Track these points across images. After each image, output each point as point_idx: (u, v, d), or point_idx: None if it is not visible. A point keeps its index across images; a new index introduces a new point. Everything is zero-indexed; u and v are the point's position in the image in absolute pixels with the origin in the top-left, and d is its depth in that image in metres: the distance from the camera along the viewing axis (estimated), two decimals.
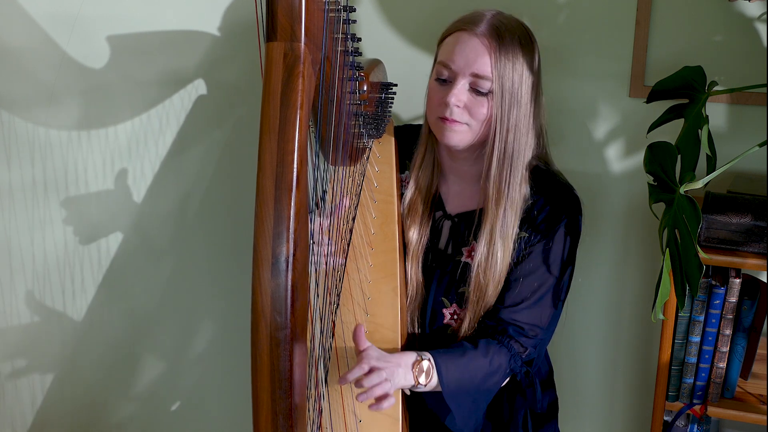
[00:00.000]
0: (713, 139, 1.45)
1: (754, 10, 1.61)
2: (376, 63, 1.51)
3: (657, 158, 1.37)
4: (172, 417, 2.23)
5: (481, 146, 1.43)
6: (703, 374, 1.63)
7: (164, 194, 2.03)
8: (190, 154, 2.01)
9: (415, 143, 1.56)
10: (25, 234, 2.01)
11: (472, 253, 1.46)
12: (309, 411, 1.13)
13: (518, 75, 1.37)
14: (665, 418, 1.68)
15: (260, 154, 0.84)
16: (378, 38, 1.84)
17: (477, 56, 1.36)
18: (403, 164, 1.59)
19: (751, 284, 1.61)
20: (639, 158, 1.73)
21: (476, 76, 1.37)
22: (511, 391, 1.51)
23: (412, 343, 1.52)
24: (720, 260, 1.53)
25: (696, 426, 1.71)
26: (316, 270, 1.27)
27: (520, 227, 1.44)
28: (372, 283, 1.44)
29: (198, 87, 1.95)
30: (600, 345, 1.93)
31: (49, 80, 1.91)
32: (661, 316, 1.41)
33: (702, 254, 1.29)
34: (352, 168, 1.48)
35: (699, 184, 1.31)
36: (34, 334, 2.09)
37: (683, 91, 1.47)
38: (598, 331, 1.92)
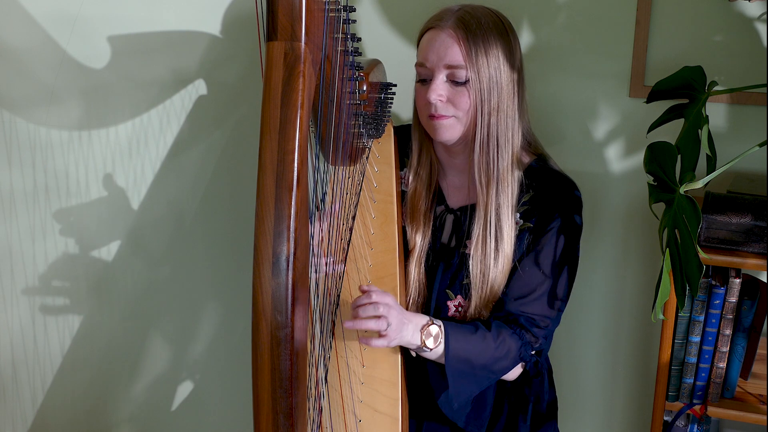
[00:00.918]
0: (713, 139, 1.45)
1: (754, 10, 1.62)
2: (375, 63, 1.52)
3: (657, 158, 1.37)
4: (172, 417, 2.23)
5: (474, 137, 1.44)
6: (703, 374, 1.63)
7: (165, 194, 2.04)
8: (190, 154, 2.01)
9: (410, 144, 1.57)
10: (25, 233, 2.01)
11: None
12: (309, 410, 1.13)
13: (494, 58, 1.39)
14: (665, 418, 1.68)
15: (261, 153, 0.84)
16: (378, 38, 1.84)
17: (447, 48, 1.39)
18: (403, 164, 1.60)
19: (751, 284, 1.61)
20: (639, 158, 1.73)
21: (450, 67, 1.40)
22: (519, 383, 1.51)
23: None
24: (720, 260, 1.53)
25: (696, 426, 1.71)
26: (316, 271, 1.27)
27: (523, 219, 1.45)
28: (372, 283, 1.44)
29: (198, 87, 1.95)
30: (600, 345, 1.93)
31: (49, 80, 1.91)
32: (661, 316, 1.41)
33: (702, 254, 1.29)
34: (351, 168, 1.48)
35: (699, 184, 1.31)
36: (34, 333, 2.09)
37: (683, 91, 1.47)
38: (598, 331, 1.92)
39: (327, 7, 0.95)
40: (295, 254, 0.83)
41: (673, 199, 1.33)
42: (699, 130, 1.40)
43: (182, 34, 1.91)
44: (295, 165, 0.84)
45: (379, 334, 1.31)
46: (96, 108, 1.95)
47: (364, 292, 1.33)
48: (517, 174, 1.46)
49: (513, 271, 1.46)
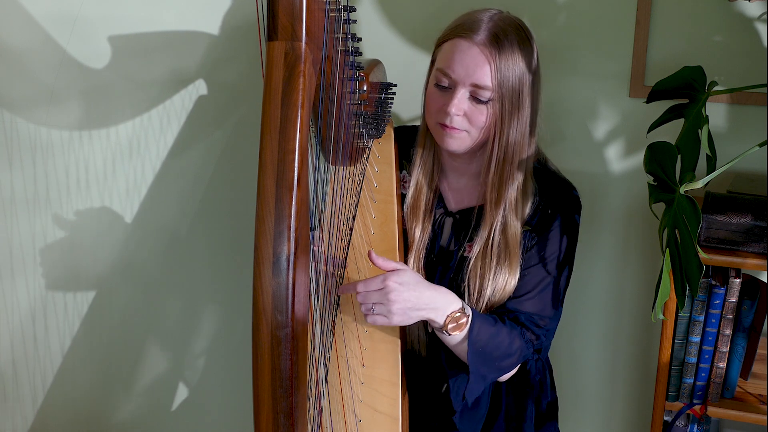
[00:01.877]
0: (713, 139, 1.45)
1: (754, 10, 1.62)
2: (375, 63, 1.52)
3: (657, 158, 1.37)
4: (172, 417, 2.23)
5: (481, 146, 1.44)
6: (703, 374, 1.63)
7: (165, 194, 2.04)
8: (191, 154, 2.01)
9: (411, 144, 1.56)
10: (25, 233, 2.01)
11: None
12: (309, 410, 1.13)
13: (518, 78, 1.36)
14: (665, 418, 1.68)
15: (261, 153, 0.84)
16: (378, 38, 1.84)
17: (477, 67, 1.35)
18: (402, 164, 1.60)
19: (751, 284, 1.61)
20: (639, 158, 1.73)
21: (476, 86, 1.36)
22: (520, 384, 1.51)
23: (414, 340, 1.53)
24: (720, 260, 1.53)
25: (696, 426, 1.71)
26: (316, 271, 1.27)
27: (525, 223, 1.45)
28: None
29: (199, 87, 1.95)
30: (600, 345, 1.93)
31: (50, 80, 1.91)
32: (661, 316, 1.41)
33: (702, 254, 1.29)
34: (351, 168, 1.48)
35: (699, 184, 1.31)
36: (34, 333, 2.09)
37: (683, 91, 1.48)
38: (598, 331, 1.92)
39: (327, 7, 0.95)
40: (295, 254, 0.83)
41: (673, 199, 1.33)
42: (699, 130, 1.40)
43: (182, 34, 1.91)
44: (296, 165, 0.84)
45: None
46: (96, 108, 1.95)
47: (374, 261, 1.32)
48: (531, 187, 1.44)
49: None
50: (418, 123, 1.70)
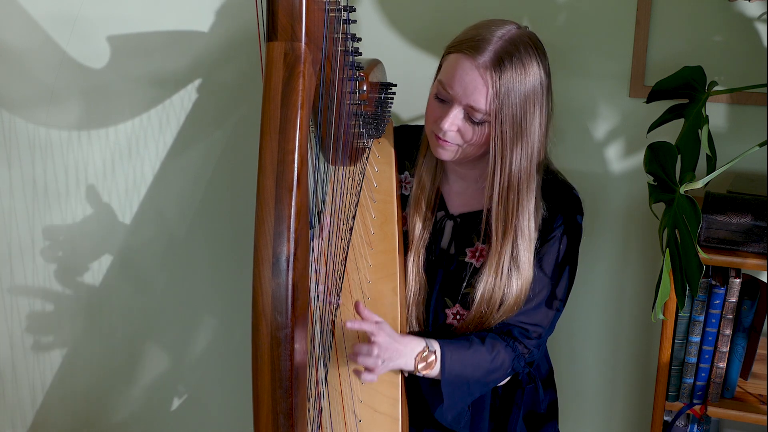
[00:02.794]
0: (713, 139, 1.45)
1: (754, 10, 1.61)
2: (375, 63, 1.51)
3: (657, 158, 1.37)
4: (172, 417, 2.23)
5: (479, 156, 1.43)
6: (703, 374, 1.63)
7: (165, 194, 2.03)
8: (190, 154, 2.01)
9: (414, 144, 1.56)
10: (25, 233, 2.01)
11: (476, 254, 1.46)
12: (309, 410, 1.13)
13: (520, 104, 1.34)
14: (665, 418, 1.68)
15: (261, 153, 0.84)
16: (378, 38, 1.84)
17: (474, 89, 1.33)
18: (402, 164, 1.59)
19: (751, 284, 1.61)
20: (639, 158, 1.73)
21: (471, 107, 1.35)
22: (512, 389, 1.51)
23: None
24: (720, 260, 1.53)
25: (696, 426, 1.71)
26: (316, 271, 1.27)
27: None
28: (372, 283, 1.44)
29: (198, 87, 1.95)
30: (600, 345, 1.93)
31: (49, 80, 1.91)
32: (661, 316, 1.41)
33: (702, 254, 1.29)
34: (351, 168, 1.48)
35: (699, 184, 1.31)
36: (34, 333, 2.09)
37: (683, 91, 1.47)
38: (598, 331, 1.92)
39: (327, 7, 0.95)
40: (295, 254, 0.83)
41: (673, 199, 1.33)
42: (699, 130, 1.40)
43: (182, 35, 1.91)
44: (295, 165, 0.83)
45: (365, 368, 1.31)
46: (96, 108, 1.95)
47: (360, 313, 1.31)
48: (541, 210, 1.42)
49: None
50: (418, 123, 1.70)
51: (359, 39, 1.24)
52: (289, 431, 0.85)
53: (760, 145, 1.34)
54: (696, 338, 1.60)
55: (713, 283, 1.56)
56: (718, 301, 1.57)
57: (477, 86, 1.33)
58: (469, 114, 1.36)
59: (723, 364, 1.61)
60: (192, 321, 2.17)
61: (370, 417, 1.30)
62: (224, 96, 1.97)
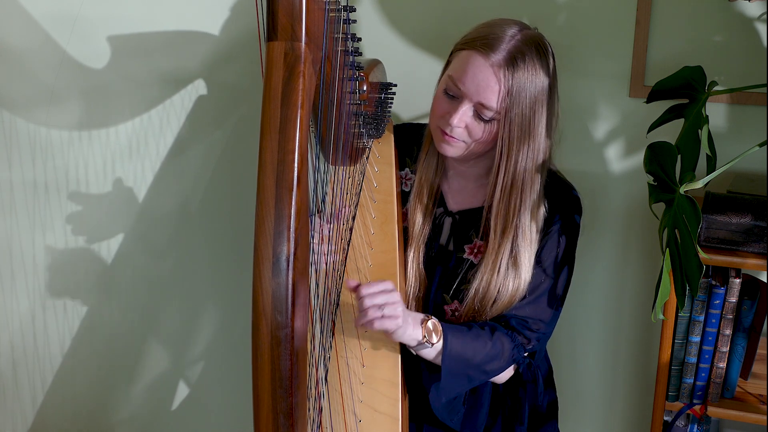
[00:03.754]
0: (713, 139, 1.45)
1: (754, 10, 1.62)
2: (375, 63, 1.52)
3: (657, 158, 1.37)
4: (172, 417, 2.23)
5: (481, 154, 1.43)
6: (703, 374, 1.63)
7: (165, 194, 2.03)
8: (190, 154, 2.01)
9: (415, 141, 1.57)
10: (25, 234, 2.01)
11: (475, 251, 1.47)
12: (309, 410, 1.13)
13: (530, 105, 1.35)
14: (665, 418, 1.68)
15: (261, 153, 0.84)
16: (378, 38, 1.84)
17: (487, 87, 1.34)
18: (403, 162, 1.60)
19: (751, 284, 1.61)
20: (639, 158, 1.73)
21: (482, 105, 1.35)
22: (513, 385, 1.51)
23: None
24: (720, 260, 1.53)
25: (696, 426, 1.71)
26: (316, 270, 1.27)
27: None
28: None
29: (198, 87, 1.95)
30: (600, 345, 1.93)
31: (49, 80, 1.91)
32: (661, 316, 1.41)
33: (702, 254, 1.29)
34: (351, 168, 1.48)
35: (699, 184, 1.31)
36: (34, 333, 2.09)
37: (683, 91, 1.48)
38: (598, 331, 1.92)
39: (327, 7, 0.95)
40: (295, 254, 0.83)
41: (673, 199, 1.33)
42: (699, 130, 1.40)
43: (182, 34, 1.91)
44: (296, 165, 0.84)
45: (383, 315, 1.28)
46: (96, 108, 1.95)
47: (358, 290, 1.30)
48: (542, 212, 1.43)
49: None
50: (417, 122, 1.70)
51: (359, 39, 1.24)
52: (289, 431, 0.85)
53: (760, 145, 1.34)
54: (696, 338, 1.60)
55: (713, 283, 1.56)
56: (718, 301, 1.57)
57: (489, 84, 1.34)
58: (479, 111, 1.36)
59: (723, 364, 1.61)
60: (192, 320, 2.17)
61: (370, 417, 1.30)
62: (224, 96, 1.97)
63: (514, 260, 1.41)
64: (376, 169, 1.56)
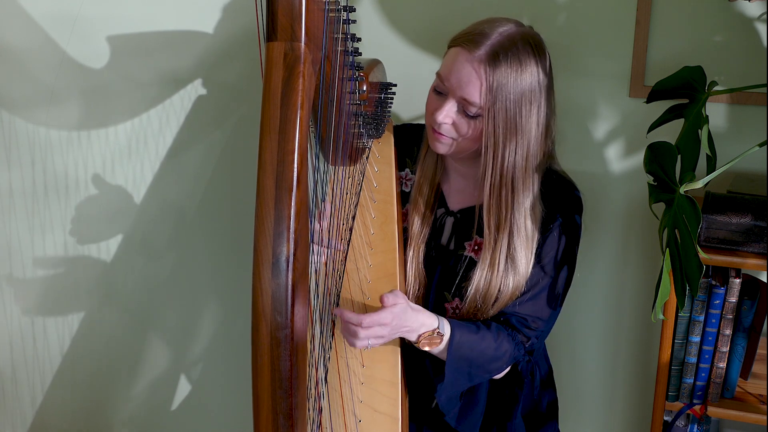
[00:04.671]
0: (713, 139, 1.45)
1: (754, 10, 1.61)
2: (375, 63, 1.51)
3: (657, 158, 1.37)
4: (172, 417, 2.23)
5: (474, 150, 1.43)
6: (703, 374, 1.63)
7: (164, 194, 2.04)
8: (190, 154, 2.01)
9: (415, 141, 1.57)
10: (25, 234, 2.01)
11: (474, 248, 1.47)
12: (309, 410, 1.13)
13: (515, 101, 1.34)
14: (665, 418, 1.68)
15: (260, 153, 0.84)
16: (378, 38, 1.84)
17: (468, 82, 1.34)
18: (403, 162, 1.60)
19: (751, 284, 1.61)
20: (639, 158, 1.73)
21: (465, 100, 1.36)
22: (511, 383, 1.51)
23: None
24: (720, 260, 1.53)
25: (696, 426, 1.71)
26: (316, 270, 1.27)
27: None
28: (371, 283, 1.44)
29: (198, 87, 1.95)
30: (600, 345, 1.93)
31: (49, 80, 1.91)
32: (661, 316, 1.41)
33: (702, 254, 1.29)
34: (351, 168, 1.48)
35: (699, 184, 1.31)
36: (33, 334, 2.09)
37: (683, 91, 1.47)
38: (598, 331, 1.92)
39: (327, 7, 0.95)
40: (295, 254, 0.83)
41: (673, 199, 1.33)
42: (699, 130, 1.40)
43: (182, 34, 1.91)
44: (295, 165, 0.83)
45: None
46: (96, 108, 1.95)
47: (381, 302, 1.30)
48: (540, 211, 1.42)
49: None
50: (417, 122, 1.70)
51: (359, 39, 1.24)
52: (289, 431, 0.85)
53: (760, 145, 1.34)
54: (696, 338, 1.60)
55: (713, 283, 1.56)
56: (718, 301, 1.57)
57: (471, 79, 1.34)
58: (464, 107, 1.37)
59: (723, 364, 1.61)
60: (192, 320, 2.17)
61: (370, 417, 1.30)
62: (224, 96, 1.97)
63: (512, 257, 1.41)
64: (376, 169, 1.56)
